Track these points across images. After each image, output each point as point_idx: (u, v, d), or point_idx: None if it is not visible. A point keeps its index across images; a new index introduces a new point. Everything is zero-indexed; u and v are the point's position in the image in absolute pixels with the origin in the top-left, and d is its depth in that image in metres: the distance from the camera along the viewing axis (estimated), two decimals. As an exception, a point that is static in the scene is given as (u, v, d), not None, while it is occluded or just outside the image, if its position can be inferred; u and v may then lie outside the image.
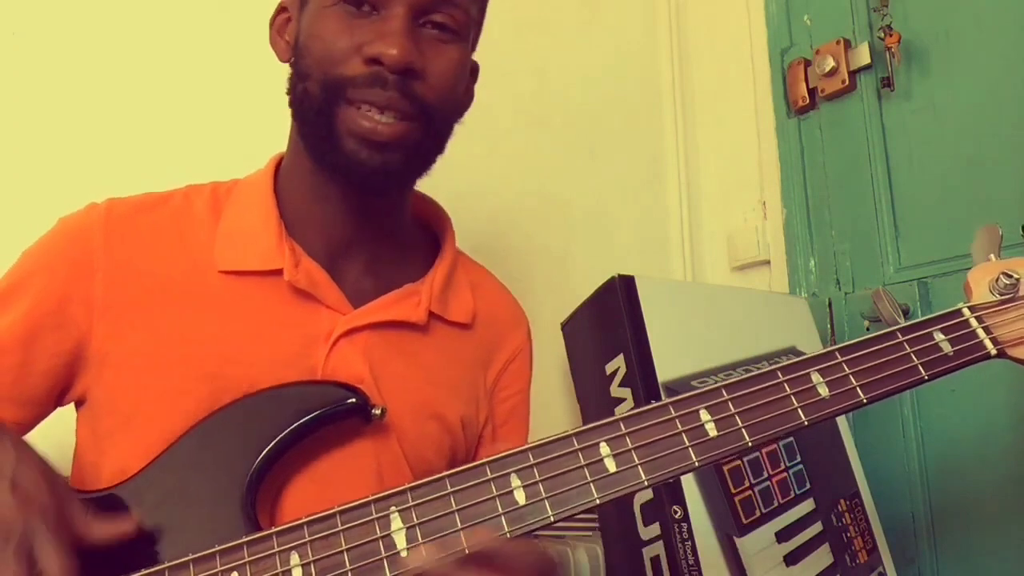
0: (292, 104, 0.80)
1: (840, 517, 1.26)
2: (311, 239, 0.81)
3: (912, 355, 0.73)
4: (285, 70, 0.83)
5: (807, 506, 1.23)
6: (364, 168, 0.75)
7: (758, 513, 1.17)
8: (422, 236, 0.92)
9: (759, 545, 1.15)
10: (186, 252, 0.79)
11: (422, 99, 0.75)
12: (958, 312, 0.76)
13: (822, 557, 1.21)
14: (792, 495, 1.22)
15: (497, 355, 0.92)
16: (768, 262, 1.58)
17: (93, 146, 1.13)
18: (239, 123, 1.18)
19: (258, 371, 0.75)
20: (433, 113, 0.77)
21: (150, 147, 1.16)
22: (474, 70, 0.88)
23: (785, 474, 1.23)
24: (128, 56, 1.17)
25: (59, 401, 0.78)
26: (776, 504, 1.19)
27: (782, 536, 1.18)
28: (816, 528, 1.22)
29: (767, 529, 1.17)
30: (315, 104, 0.76)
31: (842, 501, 1.28)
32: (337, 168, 0.77)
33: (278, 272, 0.78)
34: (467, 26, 0.80)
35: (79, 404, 0.79)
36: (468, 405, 0.87)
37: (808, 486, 1.24)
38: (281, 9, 0.84)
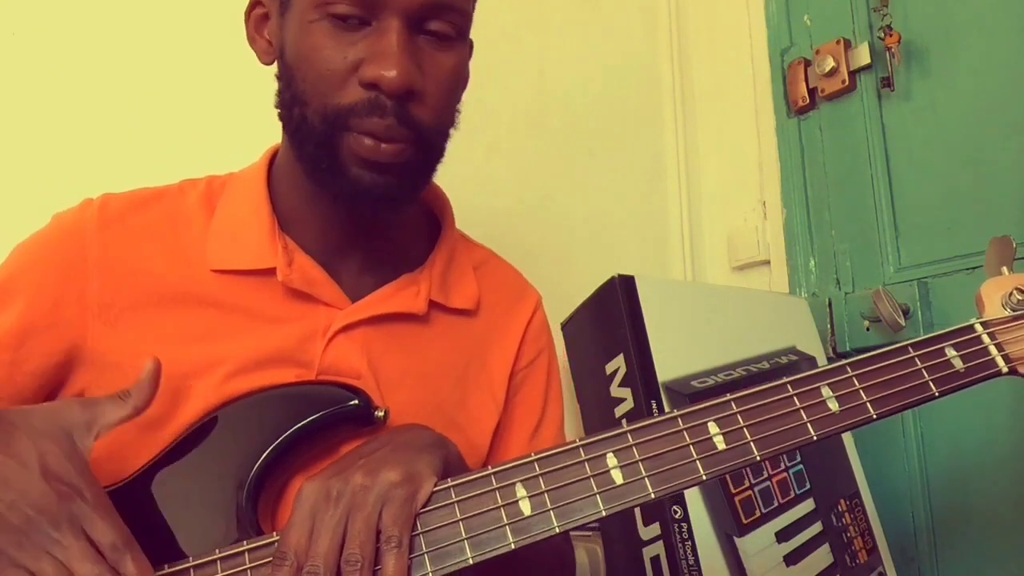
0: (284, 120, 0.76)
1: (840, 517, 1.26)
2: (306, 235, 0.79)
3: (923, 371, 0.72)
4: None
5: (807, 506, 1.23)
6: (370, 193, 0.73)
7: (758, 513, 1.17)
8: (421, 219, 0.89)
9: (759, 545, 1.15)
10: (180, 251, 0.78)
11: (418, 122, 0.72)
12: (970, 328, 0.75)
13: (822, 557, 1.21)
14: (792, 495, 1.22)
15: (506, 337, 0.89)
16: (768, 262, 1.58)
17: (92, 142, 1.13)
18: (236, 117, 1.16)
19: (254, 369, 0.74)
20: (429, 134, 0.74)
21: (148, 142, 1.16)
22: (469, 48, 0.84)
23: (785, 474, 1.23)
24: (125, 53, 1.17)
25: (47, 398, 0.76)
26: (776, 504, 1.19)
27: (782, 536, 1.18)
28: (816, 528, 1.22)
29: (767, 529, 1.17)
30: (316, 136, 0.72)
31: (842, 501, 1.28)
32: (342, 194, 0.74)
33: (271, 271, 0.77)
34: (467, 25, 0.76)
35: None
36: (475, 394, 0.85)
37: (808, 486, 1.24)
38: (255, 3, 0.79)
